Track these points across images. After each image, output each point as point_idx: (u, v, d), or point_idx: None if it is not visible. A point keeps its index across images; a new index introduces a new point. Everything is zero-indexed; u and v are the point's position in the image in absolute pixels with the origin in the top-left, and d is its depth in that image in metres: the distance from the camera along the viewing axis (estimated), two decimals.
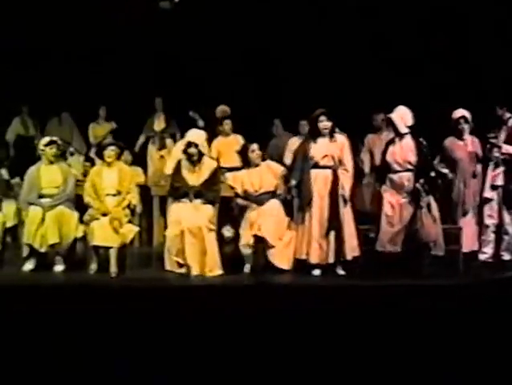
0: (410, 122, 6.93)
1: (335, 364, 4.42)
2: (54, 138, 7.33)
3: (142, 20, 9.70)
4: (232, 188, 7.25)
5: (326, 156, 6.80)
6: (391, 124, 7.05)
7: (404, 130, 6.89)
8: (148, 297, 5.79)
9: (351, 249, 6.71)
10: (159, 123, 10.07)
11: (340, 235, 6.64)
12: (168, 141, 9.89)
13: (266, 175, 7.18)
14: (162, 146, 9.88)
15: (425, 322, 5.03)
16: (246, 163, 7.32)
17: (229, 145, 8.82)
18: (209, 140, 8.49)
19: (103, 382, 4.26)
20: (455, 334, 4.87)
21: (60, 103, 10.18)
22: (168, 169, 7.78)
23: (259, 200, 7.07)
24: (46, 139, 7.29)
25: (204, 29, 10.04)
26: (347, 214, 6.74)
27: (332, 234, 6.65)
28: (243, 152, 7.45)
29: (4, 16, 9.53)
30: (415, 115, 9.75)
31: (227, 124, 9.05)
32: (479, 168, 7.71)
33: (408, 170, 6.80)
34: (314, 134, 6.93)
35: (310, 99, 10.08)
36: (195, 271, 6.63)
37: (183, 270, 6.68)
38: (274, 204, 7.04)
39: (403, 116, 6.94)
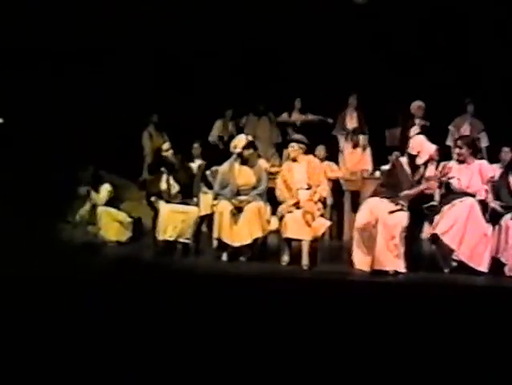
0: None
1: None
2: (250, 137, 7.47)
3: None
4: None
5: None
6: None
7: None
8: (336, 290, 5.77)
9: None
10: (351, 121, 10.09)
11: None
12: (361, 138, 9.94)
13: (476, 175, 6.89)
14: (356, 143, 9.93)
15: None
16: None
17: None
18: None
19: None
20: None
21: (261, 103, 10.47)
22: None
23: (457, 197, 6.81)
24: (243, 141, 7.33)
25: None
26: None
27: None
28: None
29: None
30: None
31: None
32: None
33: None
34: None
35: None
36: (380, 265, 6.47)
37: (366, 266, 6.55)
38: (473, 204, 6.75)
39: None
